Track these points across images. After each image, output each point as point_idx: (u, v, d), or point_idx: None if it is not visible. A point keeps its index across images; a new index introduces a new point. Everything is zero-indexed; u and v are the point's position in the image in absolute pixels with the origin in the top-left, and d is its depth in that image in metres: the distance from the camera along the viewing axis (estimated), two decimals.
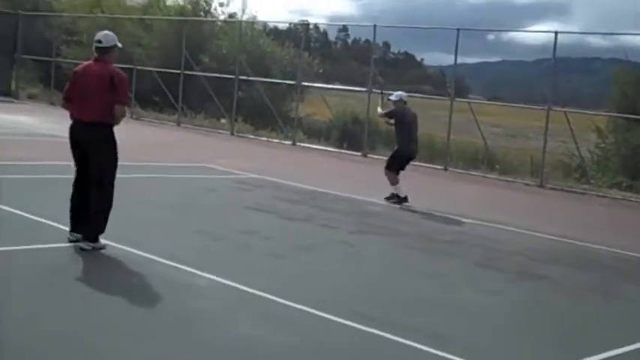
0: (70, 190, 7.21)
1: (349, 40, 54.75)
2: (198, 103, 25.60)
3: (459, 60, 20.01)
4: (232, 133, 22.37)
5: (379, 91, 13.98)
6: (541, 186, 16.50)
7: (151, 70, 25.28)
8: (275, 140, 21.52)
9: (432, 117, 20.91)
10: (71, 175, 7.27)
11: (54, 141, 14.11)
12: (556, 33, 17.00)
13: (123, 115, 7.12)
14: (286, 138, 21.77)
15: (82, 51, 25.30)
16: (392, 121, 12.17)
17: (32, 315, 5.15)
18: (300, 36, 23.35)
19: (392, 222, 10.56)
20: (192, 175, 13.21)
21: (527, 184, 16.76)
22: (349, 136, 21.72)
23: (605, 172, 19.04)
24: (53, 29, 28.28)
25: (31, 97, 26.71)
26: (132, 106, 24.89)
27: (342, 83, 26.79)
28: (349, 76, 31.60)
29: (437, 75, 41.48)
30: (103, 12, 30.38)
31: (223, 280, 6.47)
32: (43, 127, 18.06)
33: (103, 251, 6.98)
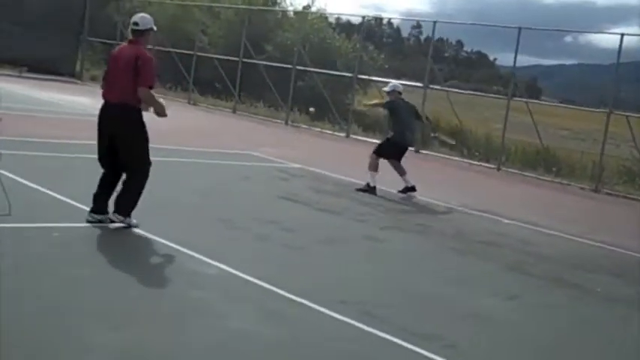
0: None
1: (422, 37, 54.14)
2: (258, 91, 25.65)
3: (534, 61, 19.64)
4: (287, 123, 22.26)
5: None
6: (596, 190, 15.84)
7: (211, 57, 25.39)
8: (329, 132, 21.31)
9: (498, 116, 20.40)
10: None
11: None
12: (622, 35, 16.29)
13: (150, 98, 7.00)
14: (341, 130, 21.54)
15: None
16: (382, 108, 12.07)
17: (18, 291, 5.06)
18: (374, 30, 23.14)
19: (429, 219, 10.24)
20: (234, 161, 13.08)
21: (582, 188, 16.13)
22: None
23: None
24: (122, 14, 28.65)
25: (94, 79, 27.11)
26: (190, 91, 25.07)
27: (410, 79, 26.46)
28: (418, 73, 31.34)
29: (508, 75, 41.37)
30: None
31: (232, 270, 6.27)
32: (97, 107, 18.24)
33: (115, 232, 6.90)
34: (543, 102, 22.54)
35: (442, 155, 19.15)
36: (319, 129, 21.56)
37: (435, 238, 9.09)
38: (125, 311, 5.08)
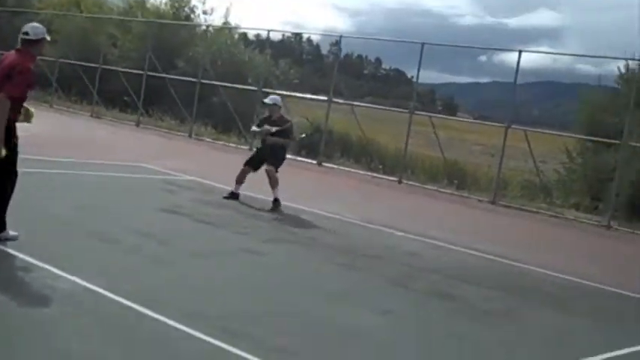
0: None
1: (341, 54, 54.45)
2: (166, 105, 25.17)
3: (450, 79, 20.25)
4: (191, 136, 21.87)
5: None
6: (493, 203, 16.01)
7: (117, 71, 24.81)
8: (232, 145, 20.99)
9: (414, 132, 20.38)
10: None
11: None
12: (520, 52, 16.78)
13: (4, 107, 6.59)
14: (245, 143, 21.25)
15: (55, 50, 24.83)
16: (273, 129, 11.29)
17: None
18: (293, 47, 23.10)
19: (319, 233, 9.97)
20: (121, 173, 12.60)
21: (480, 201, 16.28)
22: (309, 144, 21.36)
23: (567, 192, 18.75)
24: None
25: None
26: (93, 104, 24.39)
27: (326, 95, 26.44)
28: (335, 88, 31.46)
29: (426, 92, 42.45)
30: (81, 12, 30.01)
31: (87, 285, 5.88)
32: None
33: None
34: (440, 116, 22.95)
35: (345, 168, 19.08)
36: (223, 142, 21.21)
37: (323, 252, 8.82)
38: None
